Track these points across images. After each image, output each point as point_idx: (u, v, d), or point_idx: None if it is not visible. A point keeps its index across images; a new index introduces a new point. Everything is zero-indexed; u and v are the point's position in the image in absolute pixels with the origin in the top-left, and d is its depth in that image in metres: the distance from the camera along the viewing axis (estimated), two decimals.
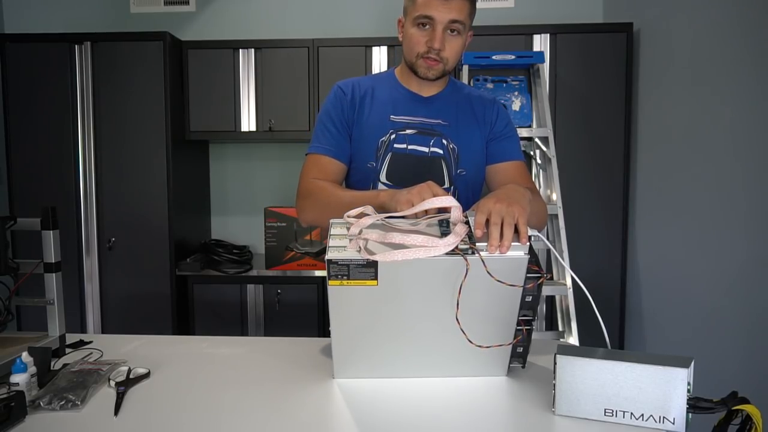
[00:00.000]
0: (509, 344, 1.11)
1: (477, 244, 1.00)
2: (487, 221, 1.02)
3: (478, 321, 1.08)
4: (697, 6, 2.30)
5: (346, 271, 1.02)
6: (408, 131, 1.42)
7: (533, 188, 1.41)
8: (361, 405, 1.06)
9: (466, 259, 1.00)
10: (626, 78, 2.77)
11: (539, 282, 1.05)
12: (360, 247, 1.03)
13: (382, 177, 1.41)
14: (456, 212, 1.08)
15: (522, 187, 1.13)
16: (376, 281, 1.03)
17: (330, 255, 1.02)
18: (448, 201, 1.10)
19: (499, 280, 1.01)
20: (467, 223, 1.06)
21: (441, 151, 1.42)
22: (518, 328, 1.11)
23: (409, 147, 1.41)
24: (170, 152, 2.87)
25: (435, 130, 1.43)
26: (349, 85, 1.46)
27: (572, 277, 1.35)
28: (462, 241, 1.02)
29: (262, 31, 3.25)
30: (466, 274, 1.01)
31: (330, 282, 1.04)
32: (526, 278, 1.04)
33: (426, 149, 1.41)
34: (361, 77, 1.51)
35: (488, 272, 1.00)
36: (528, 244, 1.01)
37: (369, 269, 1.02)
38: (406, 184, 1.25)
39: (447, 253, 1.01)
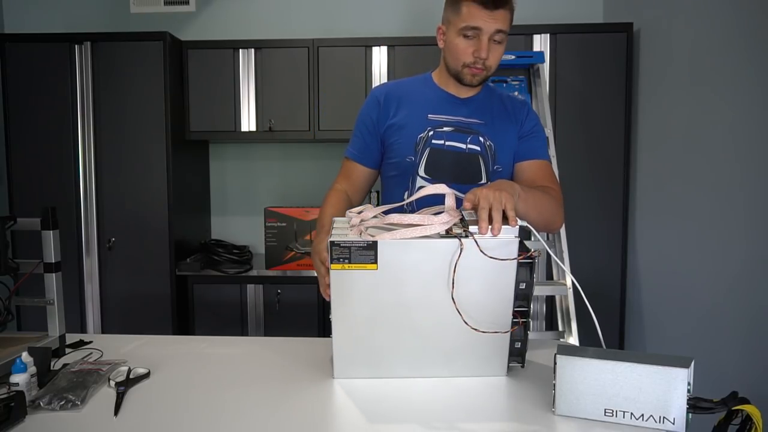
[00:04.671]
0: (506, 332, 1.13)
1: (470, 227, 1.06)
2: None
3: (475, 308, 1.10)
4: (697, 6, 2.30)
5: (348, 254, 1.07)
6: (446, 129, 1.46)
7: (554, 188, 1.44)
8: (361, 405, 1.06)
9: (460, 241, 1.05)
10: (626, 78, 2.77)
11: (530, 256, 1.09)
12: (361, 232, 1.10)
13: (421, 171, 1.46)
14: (449, 199, 1.15)
15: (511, 182, 1.20)
16: (376, 265, 1.08)
17: (332, 238, 1.08)
18: (442, 188, 1.17)
19: (492, 257, 1.06)
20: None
21: (478, 148, 1.46)
22: (514, 320, 1.13)
23: (447, 143, 1.46)
24: (170, 152, 2.87)
25: (472, 128, 1.47)
26: (384, 91, 1.52)
27: (572, 277, 1.38)
28: (455, 225, 1.09)
29: (262, 31, 3.25)
30: (461, 253, 1.06)
31: (332, 266, 1.08)
32: (518, 265, 1.08)
33: (463, 146, 1.46)
34: (398, 81, 1.58)
35: (481, 250, 1.05)
36: (518, 227, 1.07)
37: (369, 252, 1.07)
38: (445, 178, 1.40)
39: (442, 236, 1.07)
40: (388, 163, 1.51)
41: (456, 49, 1.40)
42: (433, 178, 1.45)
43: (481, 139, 1.46)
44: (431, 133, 1.46)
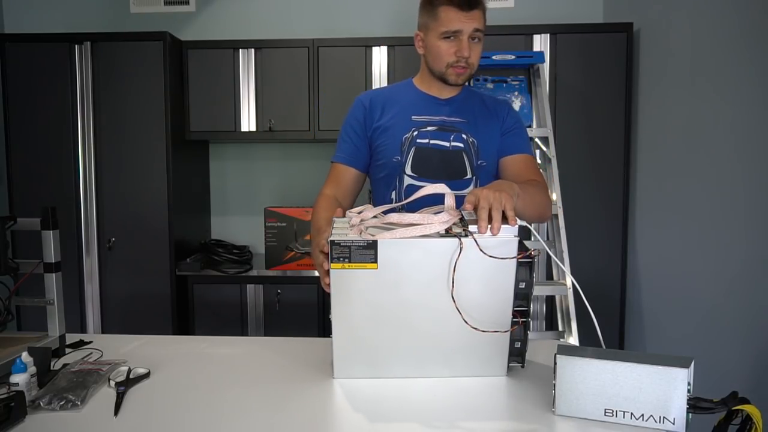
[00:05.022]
0: (506, 332, 1.13)
1: (470, 226, 1.07)
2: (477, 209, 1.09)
3: (475, 308, 1.11)
4: (697, 6, 2.30)
5: (348, 252, 1.07)
6: (429, 128, 1.53)
7: (540, 180, 1.50)
8: (361, 405, 1.06)
9: (460, 240, 1.06)
10: (626, 78, 2.77)
11: (529, 256, 1.10)
12: (361, 231, 1.10)
13: (407, 170, 1.51)
14: (449, 199, 1.17)
15: (510, 182, 1.22)
16: (376, 264, 1.08)
17: (333, 237, 1.08)
18: (442, 188, 1.19)
19: (491, 256, 1.06)
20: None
21: (462, 145, 1.52)
22: (514, 320, 1.13)
23: (431, 142, 1.52)
24: (170, 152, 2.87)
25: (455, 126, 1.54)
26: (368, 96, 1.59)
27: (572, 278, 1.39)
28: (455, 224, 1.09)
29: (262, 31, 3.25)
30: (460, 252, 1.06)
31: (332, 265, 1.08)
32: (518, 264, 1.09)
33: (447, 144, 1.52)
34: (380, 88, 1.66)
35: (480, 249, 1.06)
36: (517, 226, 1.08)
37: (369, 251, 1.07)
38: (431, 174, 1.48)
39: (442, 236, 1.08)
40: (376, 165, 1.56)
41: (439, 52, 1.47)
42: (420, 175, 1.50)
43: (464, 136, 1.52)
44: (416, 133, 1.52)
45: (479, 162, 1.53)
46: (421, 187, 1.36)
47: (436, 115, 1.54)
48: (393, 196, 1.53)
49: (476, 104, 1.58)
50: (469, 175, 1.52)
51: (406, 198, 1.41)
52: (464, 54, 1.44)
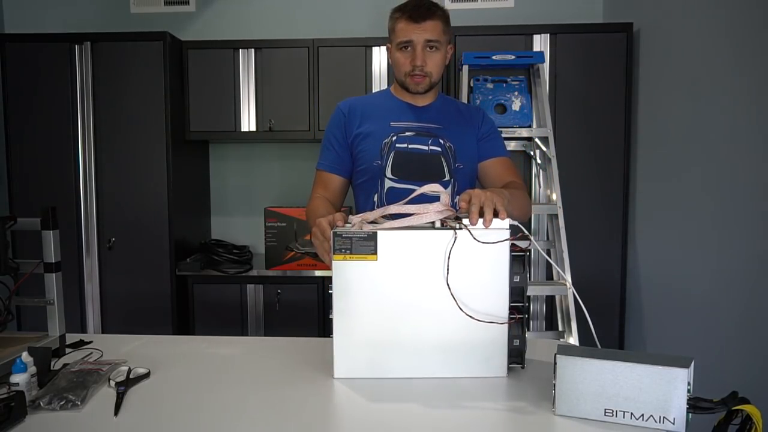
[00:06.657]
0: (502, 323, 1.15)
1: (464, 220, 1.13)
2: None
3: (472, 302, 1.14)
4: (697, 6, 2.30)
5: (349, 244, 1.12)
6: (408, 133, 1.59)
7: (519, 181, 1.58)
8: (361, 405, 1.06)
9: (455, 231, 1.12)
10: (626, 78, 2.77)
11: (521, 249, 1.15)
12: (362, 226, 1.16)
13: (388, 173, 1.56)
14: (444, 197, 1.21)
15: (501, 190, 1.29)
16: (376, 256, 1.13)
17: (336, 229, 1.14)
18: (437, 187, 1.26)
19: (484, 242, 1.12)
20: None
21: (439, 149, 1.58)
22: (511, 316, 1.15)
23: (410, 146, 1.57)
24: (170, 152, 2.87)
25: (431, 132, 1.59)
26: (348, 104, 1.65)
27: (571, 277, 1.40)
28: (450, 219, 1.15)
29: (262, 31, 3.25)
30: (455, 241, 1.11)
31: (334, 257, 1.12)
32: (511, 258, 1.14)
33: (426, 147, 1.57)
34: (359, 96, 1.72)
35: (474, 237, 1.11)
36: (508, 221, 1.13)
37: (369, 243, 1.12)
38: (411, 177, 1.54)
39: (438, 228, 1.13)
40: (357, 170, 1.61)
41: (397, 63, 1.56)
42: (400, 178, 1.56)
43: (441, 141, 1.58)
44: (395, 137, 1.57)
45: (457, 165, 1.58)
46: (403, 189, 1.47)
47: (414, 121, 1.60)
48: (375, 199, 1.58)
49: (452, 111, 1.65)
50: (447, 177, 1.58)
51: (388, 201, 1.50)
52: (416, 62, 1.51)
